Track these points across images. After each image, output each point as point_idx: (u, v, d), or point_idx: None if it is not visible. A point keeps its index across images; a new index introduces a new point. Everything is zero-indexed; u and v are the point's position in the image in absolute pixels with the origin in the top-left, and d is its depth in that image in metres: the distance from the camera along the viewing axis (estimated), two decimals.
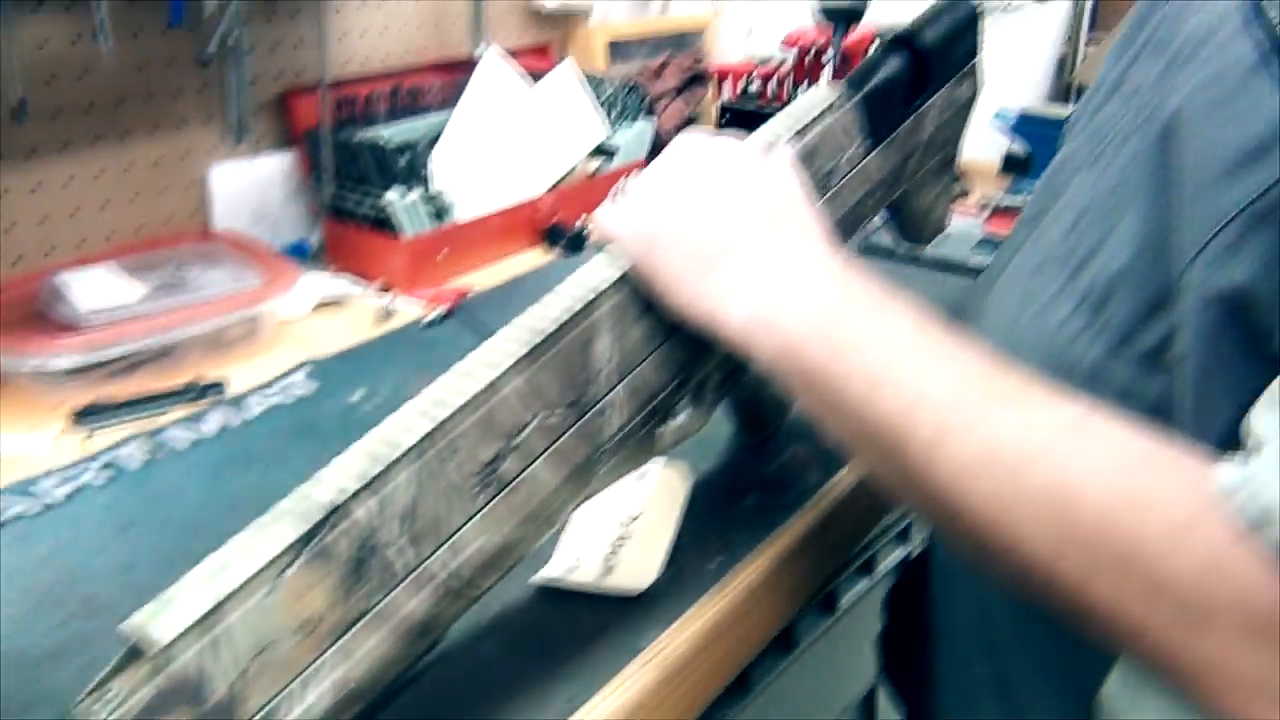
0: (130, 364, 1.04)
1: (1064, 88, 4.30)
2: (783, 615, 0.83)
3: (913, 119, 0.97)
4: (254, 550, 0.53)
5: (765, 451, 0.95)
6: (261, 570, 0.52)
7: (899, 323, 0.61)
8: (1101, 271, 0.65)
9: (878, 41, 1.70)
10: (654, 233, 0.68)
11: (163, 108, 1.20)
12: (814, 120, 0.85)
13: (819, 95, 0.88)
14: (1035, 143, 1.58)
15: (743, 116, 1.80)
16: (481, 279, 1.34)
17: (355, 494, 0.56)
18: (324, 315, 1.22)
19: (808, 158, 0.84)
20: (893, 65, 0.94)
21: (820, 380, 0.62)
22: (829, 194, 0.88)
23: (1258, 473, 0.47)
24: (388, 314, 1.22)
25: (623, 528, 0.84)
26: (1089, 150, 0.74)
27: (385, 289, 1.28)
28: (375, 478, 0.57)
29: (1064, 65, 4.30)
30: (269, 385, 1.06)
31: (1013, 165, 1.61)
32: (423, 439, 0.59)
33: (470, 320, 1.22)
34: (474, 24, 1.52)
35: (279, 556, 0.53)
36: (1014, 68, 3.92)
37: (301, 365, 1.09)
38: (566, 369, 0.67)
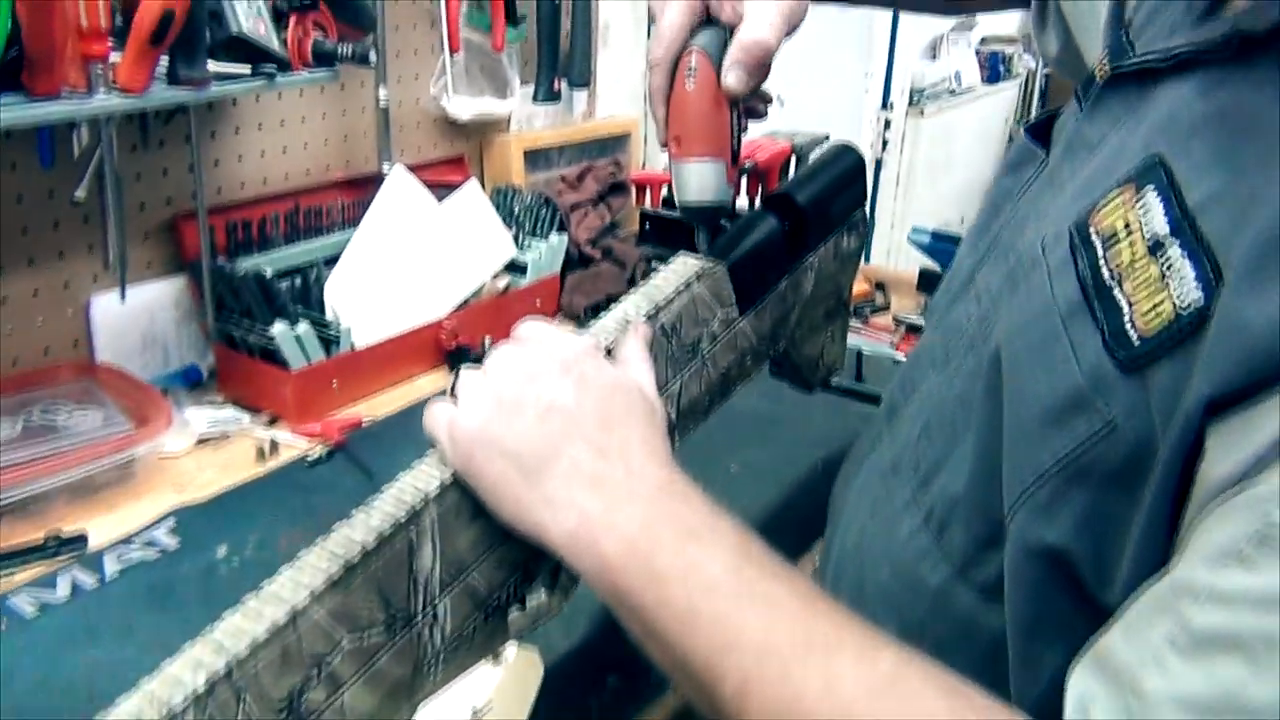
0: None
1: None
2: None
3: (790, 279, 0.95)
4: None
5: None
6: None
7: (715, 554, 0.59)
8: (943, 492, 0.63)
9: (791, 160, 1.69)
10: (479, 437, 0.65)
11: (41, 239, 1.17)
12: (674, 294, 0.83)
13: (681, 267, 0.85)
14: (947, 260, 1.57)
15: (664, 225, 1.78)
16: (378, 405, 1.32)
17: None
18: (204, 452, 1.19)
19: (668, 332, 0.82)
20: (764, 229, 0.92)
21: (635, 608, 0.60)
22: (696, 362, 0.86)
23: None
24: (271, 450, 1.18)
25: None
26: (941, 348, 0.73)
27: (273, 421, 1.25)
28: None
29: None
30: (131, 539, 1.02)
31: (928, 282, 1.60)
32: (210, 680, 0.56)
33: (356, 456, 1.19)
34: (382, 139, 1.50)
35: None
36: (966, 154, 3.96)
37: (167, 516, 1.05)
38: (382, 588, 0.63)
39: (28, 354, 1.19)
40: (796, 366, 1.04)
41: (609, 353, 0.75)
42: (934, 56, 3.71)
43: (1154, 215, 0.51)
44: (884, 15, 3.21)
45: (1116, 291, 0.51)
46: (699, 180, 0.84)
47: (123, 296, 1.16)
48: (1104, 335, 0.51)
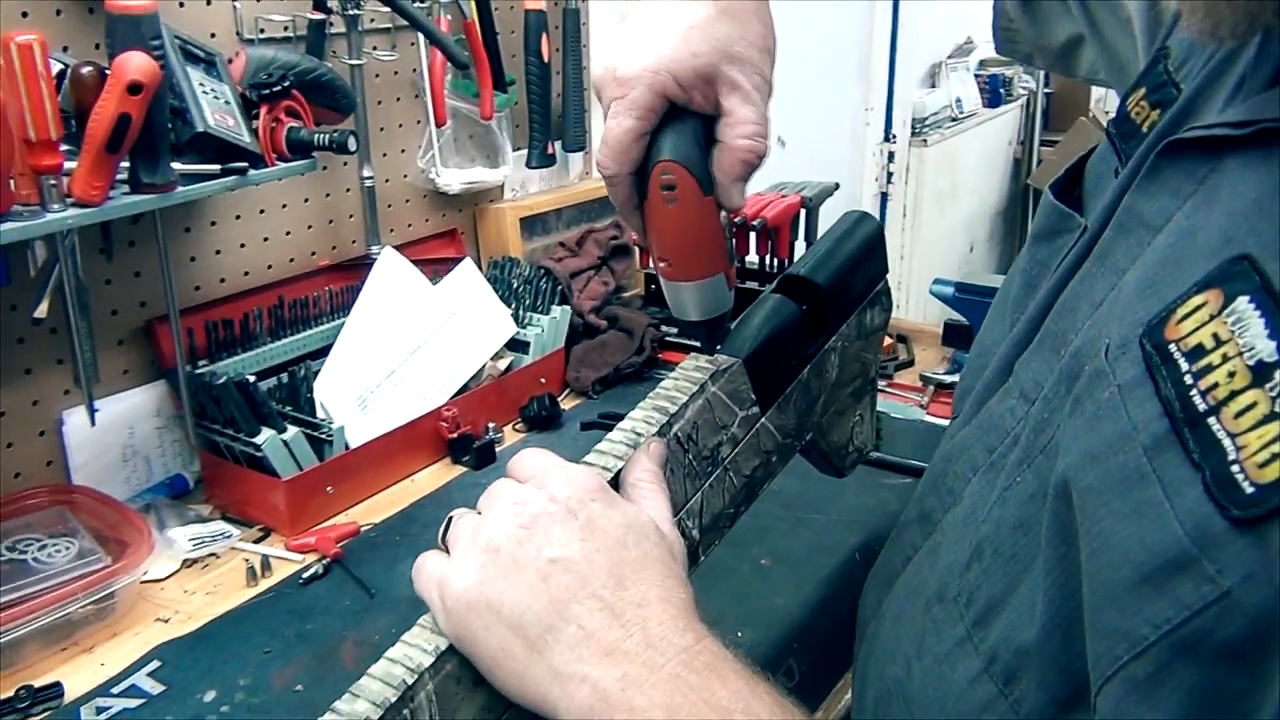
0: None
1: (1021, 190, 4.28)
2: None
3: (812, 365, 0.87)
4: None
5: None
6: None
7: None
8: (1007, 638, 0.55)
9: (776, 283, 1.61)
10: (474, 601, 0.57)
11: (4, 358, 1.09)
12: (688, 401, 0.75)
13: (693, 370, 0.77)
14: (975, 313, 1.49)
15: None
16: (377, 508, 1.23)
17: None
18: (191, 574, 1.10)
19: (684, 443, 0.74)
20: (780, 315, 0.84)
21: None
22: (717, 471, 0.78)
23: None
24: (263, 569, 1.10)
25: None
26: (982, 449, 0.65)
27: (264, 535, 1.17)
28: None
29: (1019, 168, 4.28)
30: (110, 686, 0.93)
31: (954, 336, 1.51)
32: None
33: (354, 571, 1.10)
34: (369, 220, 1.43)
35: None
36: (972, 180, 3.89)
37: (150, 656, 0.96)
38: None
39: None
40: (826, 454, 0.96)
41: (617, 478, 0.67)
42: (933, 85, 3.66)
43: (1253, 332, 0.42)
44: (882, 47, 3.15)
45: (1215, 424, 0.42)
46: (699, 301, 0.74)
47: (92, 420, 1.08)
48: (1205, 480, 0.42)
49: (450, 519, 0.63)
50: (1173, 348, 0.45)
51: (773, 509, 1.18)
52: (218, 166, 1.02)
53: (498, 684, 0.57)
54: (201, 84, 1.02)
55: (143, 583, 1.06)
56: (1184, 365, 0.44)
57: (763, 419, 0.82)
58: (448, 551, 0.61)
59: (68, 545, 1.03)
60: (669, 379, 0.77)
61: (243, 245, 1.32)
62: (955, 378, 1.47)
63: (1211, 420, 0.42)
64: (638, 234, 0.74)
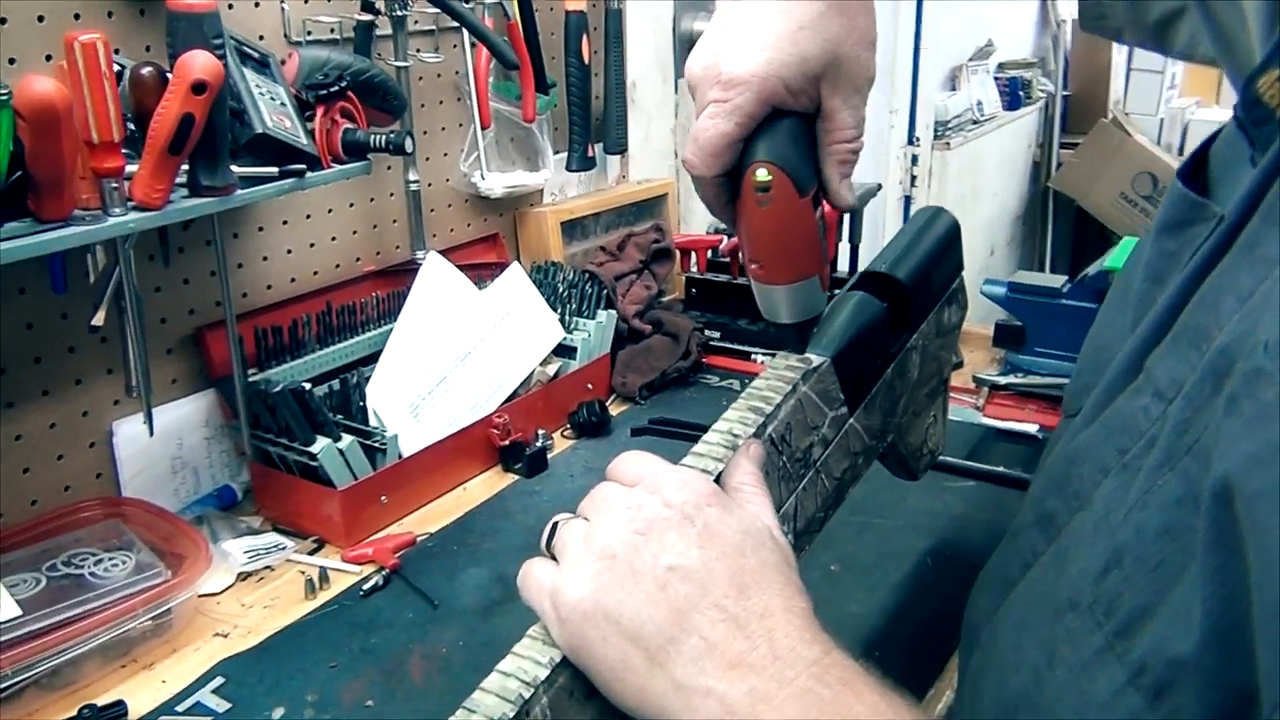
0: (13, 690, 0.89)
1: (1040, 193, 4.26)
2: None
3: (895, 365, 0.85)
4: None
5: None
6: None
7: None
8: (1158, 650, 0.51)
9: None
10: (590, 612, 0.55)
11: (55, 368, 1.07)
12: (781, 401, 0.72)
13: (785, 369, 0.75)
14: (1026, 313, 1.47)
15: (711, 290, 1.68)
16: (430, 517, 1.20)
17: None
18: (247, 588, 1.08)
19: (778, 445, 0.72)
20: (866, 313, 0.81)
21: None
22: (809, 474, 0.76)
23: None
24: (321, 581, 1.07)
25: None
26: (1112, 450, 0.61)
27: (319, 545, 1.14)
28: None
29: (1039, 170, 4.26)
30: (174, 704, 0.90)
31: (1005, 337, 1.49)
32: None
33: (414, 581, 1.07)
34: (414, 224, 1.41)
35: None
36: (992, 183, 3.87)
37: (213, 673, 0.94)
38: None
39: (47, 493, 1.09)
40: (902, 457, 0.93)
41: (718, 482, 0.65)
42: (954, 88, 3.63)
43: None
44: (905, 50, 3.13)
45: None
46: (791, 304, 0.73)
47: (150, 431, 1.05)
48: None
49: (555, 524, 0.61)
50: None
51: (838, 513, 1.15)
52: (275, 169, 1.00)
53: (614, 697, 0.54)
54: (257, 85, 1.00)
55: (199, 596, 1.04)
56: None
57: (851, 419, 0.79)
58: (552, 558, 0.59)
59: (124, 559, 1.00)
60: (760, 379, 0.75)
61: (289, 251, 1.29)
62: (1008, 379, 1.45)
63: None
64: (731, 229, 0.72)
